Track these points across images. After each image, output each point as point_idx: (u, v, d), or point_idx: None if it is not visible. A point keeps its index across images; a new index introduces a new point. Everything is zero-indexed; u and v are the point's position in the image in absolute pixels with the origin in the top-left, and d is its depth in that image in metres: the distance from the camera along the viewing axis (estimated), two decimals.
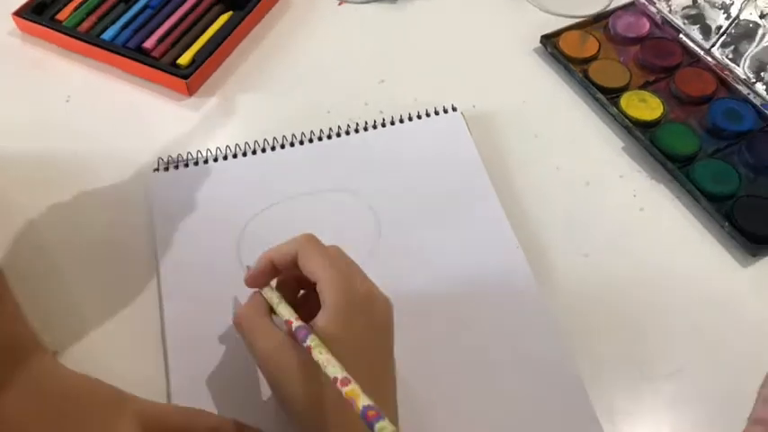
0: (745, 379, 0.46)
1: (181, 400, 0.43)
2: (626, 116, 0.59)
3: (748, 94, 0.60)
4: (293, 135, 0.58)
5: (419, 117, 0.59)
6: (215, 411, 0.43)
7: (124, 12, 0.66)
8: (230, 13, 0.66)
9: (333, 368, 0.34)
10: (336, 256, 0.40)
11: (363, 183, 0.55)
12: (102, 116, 0.60)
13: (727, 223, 0.52)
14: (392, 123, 0.59)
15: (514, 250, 0.51)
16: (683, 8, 0.65)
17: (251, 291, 0.46)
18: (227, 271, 0.50)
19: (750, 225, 0.52)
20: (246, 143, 0.57)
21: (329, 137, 0.58)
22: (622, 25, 0.66)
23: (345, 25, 0.69)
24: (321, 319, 0.38)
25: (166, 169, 0.55)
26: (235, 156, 0.56)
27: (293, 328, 0.37)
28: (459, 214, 0.53)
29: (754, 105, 0.59)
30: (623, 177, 0.57)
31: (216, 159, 0.56)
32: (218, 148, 0.56)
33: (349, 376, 0.34)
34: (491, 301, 0.49)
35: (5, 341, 0.39)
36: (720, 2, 0.62)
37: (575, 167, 0.57)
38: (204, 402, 0.44)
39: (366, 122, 0.59)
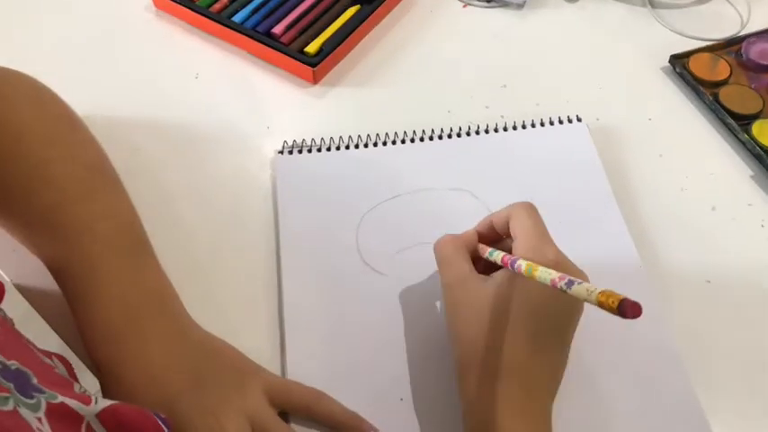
0: None
1: (295, 379, 0.44)
2: (757, 144, 0.57)
3: None
4: (414, 131, 0.58)
5: (542, 125, 0.59)
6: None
7: None
8: (357, 6, 0.67)
9: (549, 273, 0.35)
10: (542, 229, 0.42)
11: (483, 185, 0.55)
12: (229, 95, 0.62)
13: None
14: (514, 128, 0.58)
15: (637, 268, 0.50)
16: None
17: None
18: (346, 258, 0.50)
19: None
20: (368, 135, 0.57)
21: (449, 136, 0.58)
22: (756, 52, 0.64)
23: (469, 27, 0.69)
24: (504, 274, 0.41)
25: (291, 153, 0.56)
26: (357, 146, 0.57)
27: (507, 260, 0.40)
28: (580, 226, 0.52)
29: None
30: (752, 206, 0.55)
31: (339, 148, 0.57)
32: (340, 137, 0.57)
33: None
34: (609, 321, 0.48)
35: (152, 294, 0.41)
36: None
37: (700, 191, 0.55)
38: (317, 385, 0.44)
39: (488, 125, 0.59)
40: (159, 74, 0.63)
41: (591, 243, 0.51)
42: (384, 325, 0.47)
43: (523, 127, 0.58)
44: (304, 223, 0.52)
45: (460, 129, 0.58)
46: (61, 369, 0.38)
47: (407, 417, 0.44)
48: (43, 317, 0.47)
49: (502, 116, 0.60)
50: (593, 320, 0.47)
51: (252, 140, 0.58)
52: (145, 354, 0.40)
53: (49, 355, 0.38)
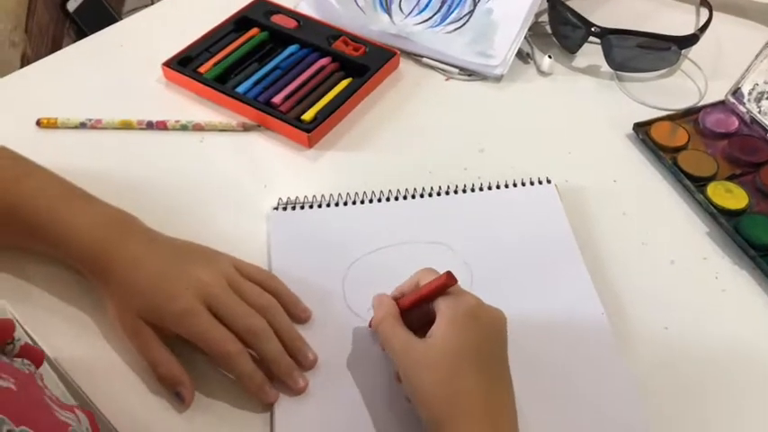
0: None
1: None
2: (712, 203, 0.62)
3: None
4: (398, 190, 0.63)
5: (515, 185, 0.64)
6: None
7: (257, 70, 0.74)
8: (350, 79, 0.74)
9: None
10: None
11: (459, 239, 0.60)
12: (231, 158, 0.68)
13: None
14: (489, 188, 0.64)
15: (599, 318, 0.54)
16: None
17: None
18: (331, 304, 0.55)
19: None
20: (357, 193, 0.63)
21: (430, 195, 0.64)
22: (711, 121, 0.71)
23: (451, 98, 0.75)
24: (438, 329, 0.45)
25: (285, 209, 0.62)
26: (346, 204, 0.62)
27: None
28: (547, 279, 0.57)
29: None
30: (706, 260, 0.60)
31: (329, 205, 0.62)
32: (330, 194, 0.63)
33: None
34: (573, 364, 0.52)
35: (118, 215, 0.55)
36: None
37: (660, 246, 0.61)
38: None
39: (465, 185, 0.64)
40: (167, 140, 0.70)
41: (556, 297, 0.56)
42: (365, 368, 0.52)
43: (497, 187, 0.64)
44: (295, 273, 0.57)
45: (440, 188, 0.64)
46: (84, 422, 0.40)
47: None
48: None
49: (479, 177, 0.65)
50: (557, 367, 0.52)
51: (250, 198, 0.63)
52: (128, 252, 0.51)
53: (71, 408, 0.40)
